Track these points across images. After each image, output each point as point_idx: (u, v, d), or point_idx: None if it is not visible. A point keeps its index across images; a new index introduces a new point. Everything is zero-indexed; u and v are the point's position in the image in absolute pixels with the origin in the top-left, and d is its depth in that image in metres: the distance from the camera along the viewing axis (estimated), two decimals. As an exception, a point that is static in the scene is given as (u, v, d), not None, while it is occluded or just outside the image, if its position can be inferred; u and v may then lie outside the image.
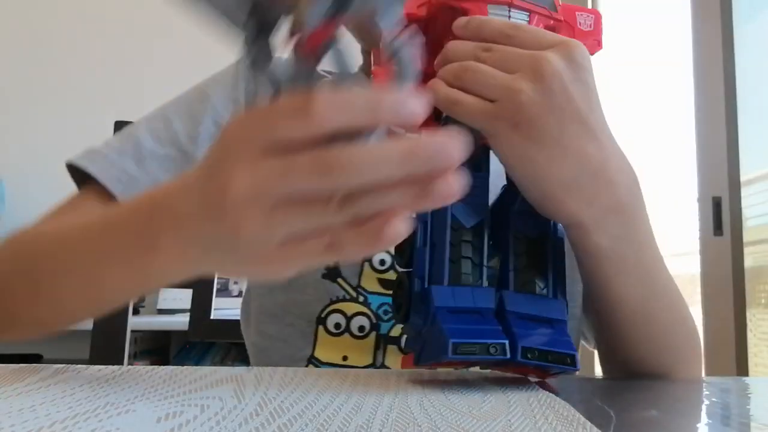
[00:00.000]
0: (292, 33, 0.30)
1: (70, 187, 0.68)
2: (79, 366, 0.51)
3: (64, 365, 0.51)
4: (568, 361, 0.44)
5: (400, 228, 0.30)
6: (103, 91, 2.08)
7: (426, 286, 0.45)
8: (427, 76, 0.52)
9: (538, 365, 0.44)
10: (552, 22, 0.49)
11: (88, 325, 0.91)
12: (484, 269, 0.46)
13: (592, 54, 0.50)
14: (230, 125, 0.33)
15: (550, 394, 0.42)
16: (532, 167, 0.45)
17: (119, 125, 0.98)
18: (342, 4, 0.28)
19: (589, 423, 0.34)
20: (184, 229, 0.35)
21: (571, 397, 0.43)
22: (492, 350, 0.43)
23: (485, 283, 0.46)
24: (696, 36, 2.35)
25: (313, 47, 0.29)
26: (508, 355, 0.44)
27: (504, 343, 0.44)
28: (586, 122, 0.45)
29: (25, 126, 2.08)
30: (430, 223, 0.47)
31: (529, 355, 0.44)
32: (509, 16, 0.47)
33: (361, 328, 0.64)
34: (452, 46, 0.47)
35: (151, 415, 0.34)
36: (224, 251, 0.33)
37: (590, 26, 0.51)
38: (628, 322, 0.54)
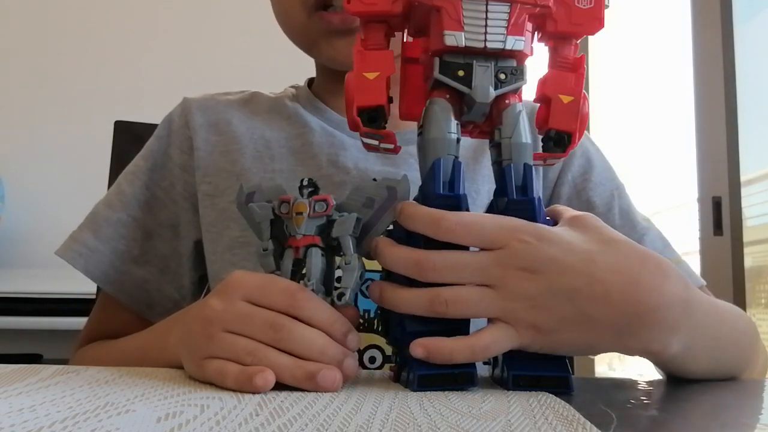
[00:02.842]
0: (289, 235, 0.47)
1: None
2: (79, 366, 0.51)
3: (64, 365, 0.51)
4: (561, 384, 0.44)
5: (269, 380, 0.41)
6: (103, 91, 2.08)
7: None
8: (413, 60, 0.51)
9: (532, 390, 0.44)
10: (537, 9, 0.46)
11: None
12: None
13: (593, 34, 0.48)
14: (237, 274, 0.46)
15: (550, 394, 0.42)
16: (578, 348, 0.45)
17: (119, 125, 0.98)
18: (321, 230, 0.46)
19: (589, 423, 0.34)
20: (187, 330, 0.48)
21: (571, 397, 0.43)
22: (459, 380, 0.44)
23: None
24: (696, 36, 2.35)
25: (298, 247, 0.46)
26: (476, 384, 0.44)
27: (471, 372, 0.44)
28: (591, 280, 0.43)
29: (25, 126, 2.08)
30: (405, 242, 0.46)
31: (521, 383, 0.44)
32: (486, 10, 0.45)
33: (372, 360, 0.63)
34: (392, 261, 0.44)
35: (151, 415, 0.34)
36: (195, 350, 0.46)
37: (590, 3, 0.47)
38: (701, 375, 0.53)
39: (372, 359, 0.62)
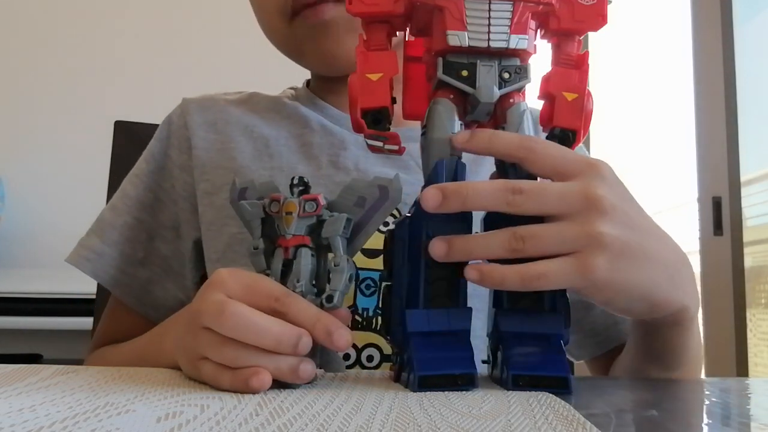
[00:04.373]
0: (279, 234, 0.46)
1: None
2: (79, 366, 0.51)
3: (64, 365, 0.51)
4: (560, 384, 0.44)
5: (265, 381, 0.41)
6: (103, 91, 2.08)
7: (404, 305, 0.45)
8: (415, 59, 0.51)
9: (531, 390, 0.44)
10: (540, 7, 0.45)
11: (87, 325, 0.91)
12: (462, 288, 0.45)
13: (596, 30, 0.48)
14: (222, 272, 0.45)
15: (550, 394, 0.42)
16: (639, 289, 0.45)
17: (119, 125, 0.98)
18: (311, 229, 0.46)
19: (589, 423, 0.34)
20: (177, 330, 0.49)
21: (570, 397, 0.42)
22: (460, 381, 0.43)
23: (464, 302, 0.45)
24: (696, 36, 2.35)
25: (287, 247, 0.46)
26: (476, 386, 0.44)
27: (472, 374, 0.44)
28: (648, 226, 0.46)
29: (25, 126, 2.08)
30: (408, 242, 0.45)
31: (520, 383, 0.44)
32: (489, 9, 0.44)
33: (370, 358, 0.63)
34: (473, 192, 0.43)
35: (151, 415, 0.34)
36: (187, 350, 0.46)
37: None
38: (688, 366, 0.55)
39: (370, 358, 0.62)
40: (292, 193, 0.47)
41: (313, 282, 0.46)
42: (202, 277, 0.75)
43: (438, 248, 0.43)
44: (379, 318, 0.63)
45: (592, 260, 0.42)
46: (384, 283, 0.49)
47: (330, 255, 0.46)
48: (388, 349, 0.62)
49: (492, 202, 0.43)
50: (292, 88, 0.81)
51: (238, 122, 0.75)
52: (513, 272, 0.42)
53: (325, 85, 0.77)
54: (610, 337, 0.70)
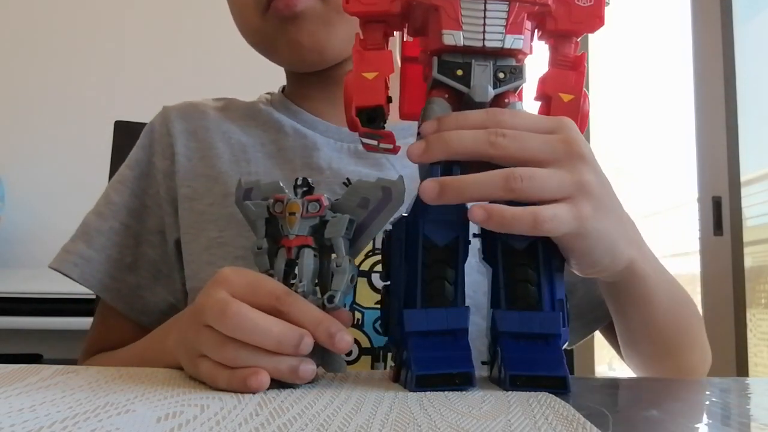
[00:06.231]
0: (283, 235, 0.47)
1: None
2: (79, 366, 0.51)
3: (64, 365, 0.51)
4: (559, 384, 0.44)
5: (263, 382, 0.41)
6: (103, 91, 2.08)
7: (402, 305, 0.45)
8: (414, 60, 0.51)
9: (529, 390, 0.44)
10: (536, 8, 0.45)
11: (87, 325, 0.91)
12: (459, 287, 0.45)
13: (593, 31, 0.48)
14: (226, 270, 0.45)
15: (550, 394, 0.42)
16: (609, 239, 0.47)
17: (119, 125, 0.98)
18: (314, 230, 0.46)
19: (589, 423, 0.34)
20: (180, 327, 0.49)
21: (570, 397, 0.43)
22: (457, 380, 0.43)
23: (461, 302, 0.45)
24: (696, 36, 2.35)
25: (290, 247, 0.46)
26: (474, 384, 0.44)
27: (469, 372, 0.44)
28: (608, 180, 0.48)
29: (25, 126, 2.08)
30: (405, 241, 0.45)
31: (518, 383, 0.44)
32: (485, 9, 0.44)
33: (348, 353, 0.63)
34: (472, 183, 0.42)
35: (151, 415, 0.34)
36: (188, 347, 0.46)
37: (590, 1, 0.47)
38: (662, 333, 0.59)
39: (348, 352, 0.63)
40: (296, 194, 0.47)
41: (316, 282, 0.46)
42: None
43: (429, 190, 0.42)
44: (356, 312, 0.64)
45: (583, 207, 0.44)
46: (383, 284, 0.49)
47: (333, 255, 0.46)
48: (365, 343, 0.63)
49: (491, 191, 0.43)
50: (268, 93, 0.82)
51: (217, 129, 0.76)
52: (527, 212, 0.42)
53: (299, 90, 0.78)
54: (597, 317, 0.71)
